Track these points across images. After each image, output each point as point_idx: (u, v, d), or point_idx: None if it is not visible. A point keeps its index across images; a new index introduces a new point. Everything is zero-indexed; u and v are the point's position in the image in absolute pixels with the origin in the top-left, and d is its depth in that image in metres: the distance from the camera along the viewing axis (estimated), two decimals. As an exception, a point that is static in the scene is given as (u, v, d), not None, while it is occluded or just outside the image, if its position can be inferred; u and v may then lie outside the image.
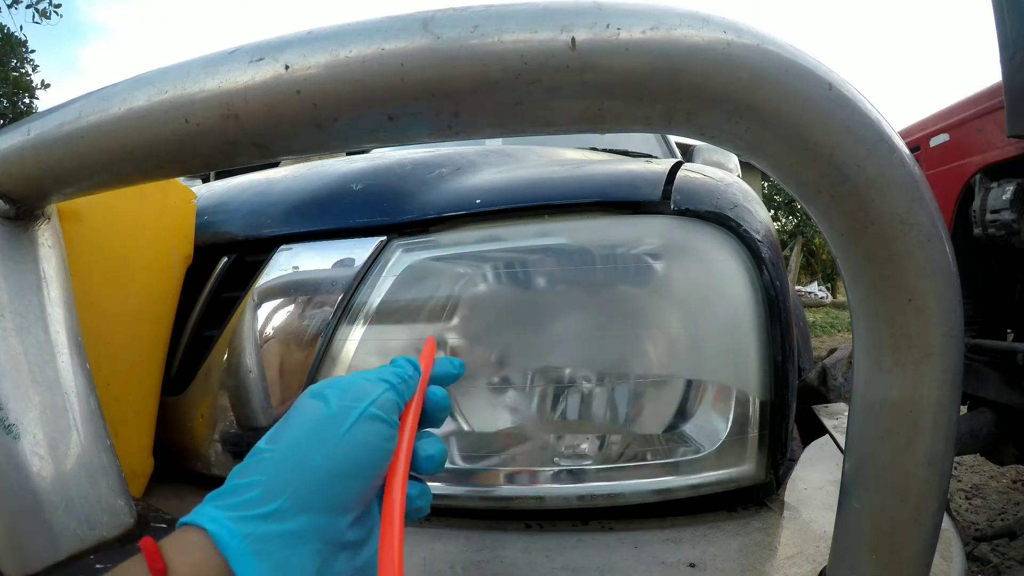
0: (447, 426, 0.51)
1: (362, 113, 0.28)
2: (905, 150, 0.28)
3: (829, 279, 15.39)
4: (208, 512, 0.28)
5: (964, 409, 1.79)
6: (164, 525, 0.45)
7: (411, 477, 0.34)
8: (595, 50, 0.25)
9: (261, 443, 0.31)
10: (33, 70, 10.95)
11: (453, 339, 0.51)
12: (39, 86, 10.95)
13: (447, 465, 0.51)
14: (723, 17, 0.26)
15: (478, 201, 0.54)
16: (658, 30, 0.25)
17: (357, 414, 0.31)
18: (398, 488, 0.31)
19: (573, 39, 0.25)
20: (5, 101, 10.49)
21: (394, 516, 0.29)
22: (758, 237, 0.51)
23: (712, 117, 0.27)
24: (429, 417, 0.37)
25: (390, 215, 0.55)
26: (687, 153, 1.87)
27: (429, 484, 0.37)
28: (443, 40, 0.26)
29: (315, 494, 0.29)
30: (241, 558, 0.26)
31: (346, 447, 0.30)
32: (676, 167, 0.57)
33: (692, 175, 0.56)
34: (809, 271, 16.05)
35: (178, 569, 0.26)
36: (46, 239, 0.43)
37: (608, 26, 0.25)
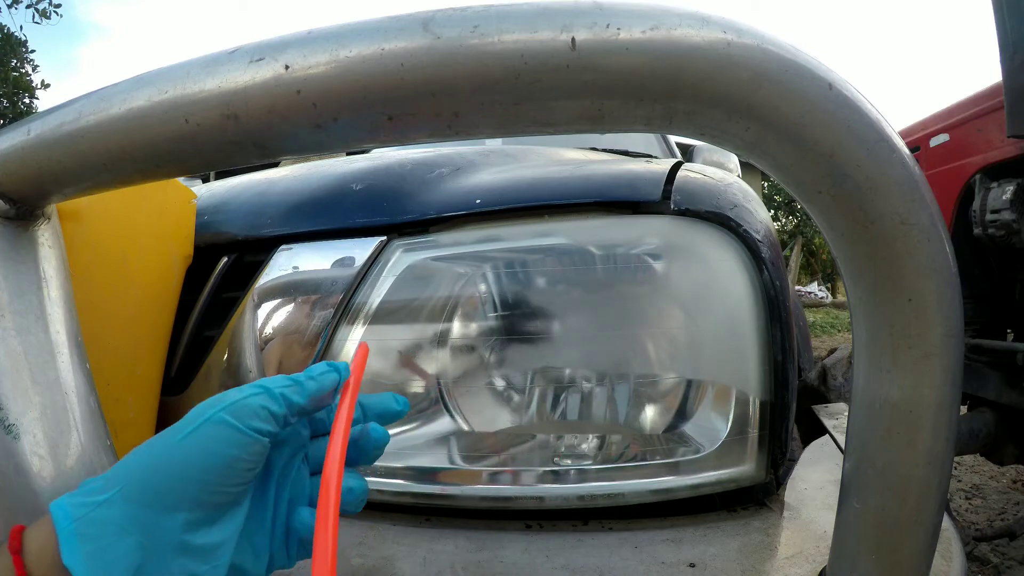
0: (448, 426, 0.51)
1: (362, 113, 0.28)
2: (905, 150, 0.28)
3: (829, 279, 15.39)
4: (61, 498, 0.31)
5: (964, 409, 1.79)
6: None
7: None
8: (595, 50, 0.25)
9: None
10: (33, 70, 10.96)
11: (453, 339, 0.51)
12: (39, 86, 10.96)
13: (447, 465, 0.51)
14: (723, 17, 0.26)
15: (478, 201, 0.54)
16: (658, 30, 0.25)
17: (201, 419, 0.31)
18: (331, 490, 0.30)
19: (573, 39, 0.25)
20: (5, 101, 10.49)
21: (328, 515, 0.30)
22: (758, 237, 0.51)
23: (712, 117, 0.27)
24: (358, 451, 0.36)
25: (390, 215, 0.55)
26: (687, 153, 1.87)
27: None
28: (443, 40, 0.26)
29: (140, 489, 0.30)
30: (67, 538, 0.29)
31: (181, 449, 0.31)
32: (676, 167, 0.57)
33: (692, 175, 0.56)
34: (809, 271, 16.06)
35: (30, 547, 0.30)
36: (46, 239, 0.43)
37: (608, 26, 0.25)
